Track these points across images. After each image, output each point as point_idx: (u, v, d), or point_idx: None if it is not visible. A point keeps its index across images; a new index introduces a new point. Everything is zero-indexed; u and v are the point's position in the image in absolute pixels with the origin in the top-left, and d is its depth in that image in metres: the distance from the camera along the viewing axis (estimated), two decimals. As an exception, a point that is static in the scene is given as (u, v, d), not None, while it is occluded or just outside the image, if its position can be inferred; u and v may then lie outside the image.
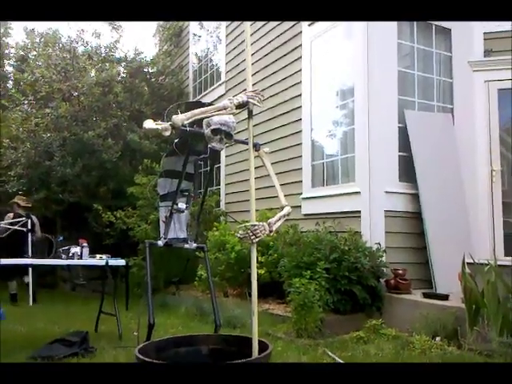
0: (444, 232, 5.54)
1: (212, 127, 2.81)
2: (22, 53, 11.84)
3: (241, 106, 2.64)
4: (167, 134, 2.57)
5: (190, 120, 2.61)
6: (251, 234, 2.57)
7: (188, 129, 2.82)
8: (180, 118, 2.57)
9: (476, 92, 6.14)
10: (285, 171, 6.94)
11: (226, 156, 8.60)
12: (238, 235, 2.62)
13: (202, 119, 2.75)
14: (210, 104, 3.01)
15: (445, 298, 4.76)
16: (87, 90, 9.18)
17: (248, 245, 6.16)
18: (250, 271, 2.61)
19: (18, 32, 20.84)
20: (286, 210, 2.85)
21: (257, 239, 2.58)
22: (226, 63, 9.21)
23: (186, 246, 3.95)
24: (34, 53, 11.00)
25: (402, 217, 5.69)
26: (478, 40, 6.20)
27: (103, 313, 5.30)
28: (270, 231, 2.66)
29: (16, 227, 6.63)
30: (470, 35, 6.23)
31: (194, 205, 4.99)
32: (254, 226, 2.58)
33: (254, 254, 2.62)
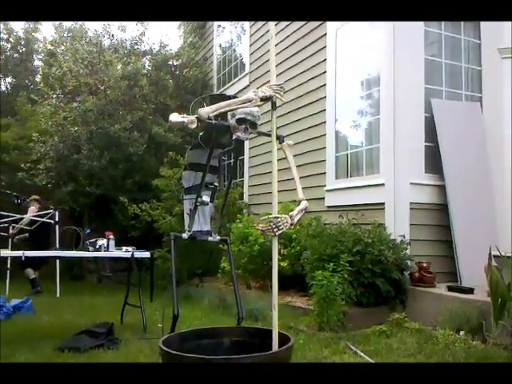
0: (470, 224, 5.42)
1: (237, 117, 2.82)
2: (51, 47, 12.07)
3: (265, 99, 2.64)
4: (193, 126, 2.58)
5: (216, 113, 2.62)
6: (274, 226, 2.58)
7: (213, 121, 2.82)
8: (206, 111, 2.58)
9: (505, 80, 5.95)
10: (308, 163, 6.91)
11: (250, 148, 8.59)
12: (260, 227, 2.62)
13: (226, 112, 2.75)
14: (235, 96, 3.03)
15: (470, 291, 4.67)
16: (113, 83, 9.27)
17: (270, 237, 6.17)
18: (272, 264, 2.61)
19: (48, 27, 21.17)
20: (304, 204, 2.83)
21: (279, 232, 2.59)
22: (250, 54, 9.18)
23: (210, 238, 3.96)
24: (62, 47, 11.18)
25: (428, 209, 5.58)
26: (507, 27, 5.99)
27: (128, 304, 5.39)
28: (291, 224, 2.65)
29: (44, 219, 6.79)
30: (499, 22, 6.03)
31: (218, 197, 5.01)
32: (277, 218, 2.59)
33: (276, 247, 2.62)
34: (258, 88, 2.69)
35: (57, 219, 7.10)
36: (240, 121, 2.81)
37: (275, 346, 2.54)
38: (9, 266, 7.56)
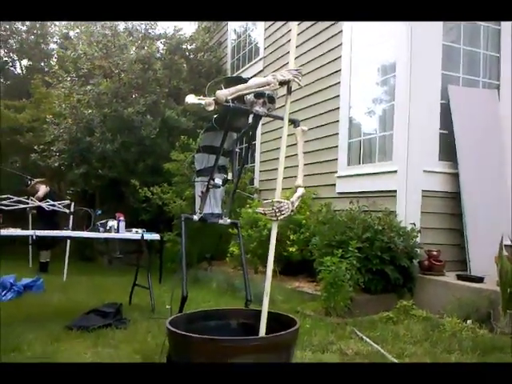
0: (482, 213, 5.35)
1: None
2: (65, 30, 12.10)
3: (283, 83, 2.61)
4: (211, 108, 2.55)
5: (234, 95, 2.60)
6: (277, 210, 2.56)
7: (231, 104, 2.78)
8: (224, 93, 2.55)
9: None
10: (320, 149, 6.87)
11: (262, 133, 8.55)
12: (262, 211, 2.60)
13: (242, 96, 2.72)
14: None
15: (479, 280, 4.63)
16: (127, 66, 9.27)
17: (281, 222, 6.17)
18: (269, 249, 2.59)
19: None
20: (301, 191, 2.77)
21: (282, 216, 2.56)
22: (265, 39, 9.09)
23: (221, 221, 3.92)
24: (77, 30, 11.19)
25: (440, 197, 5.53)
26: (528, 12, 5.85)
27: (137, 285, 5.44)
28: (292, 210, 2.63)
29: (60, 207, 6.83)
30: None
31: (229, 182, 5.01)
32: (280, 202, 2.57)
33: (275, 231, 2.60)
34: (275, 72, 2.67)
35: (72, 210, 7.17)
36: (258, 95, 2.78)
37: (262, 333, 2.52)
38: (30, 241, 7.66)
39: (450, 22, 5.74)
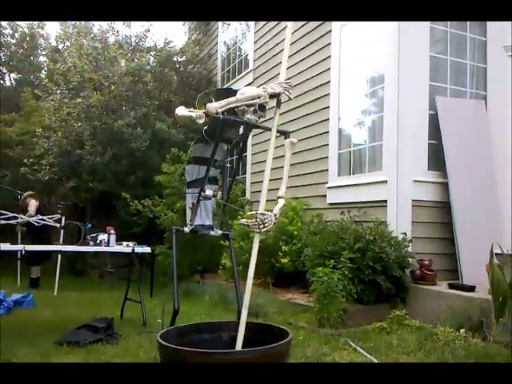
0: (472, 222, 5.38)
1: None
2: (55, 43, 12.10)
3: (274, 95, 2.62)
4: (201, 121, 2.55)
5: (224, 108, 2.60)
6: (260, 222, 2.54)
7: (221, 117, 2.78)
8: (214, 106, 2.56)
9: (510, 78, 5.90)
10: (311, 160, 6.89)
11: (252, 145, 8.57)
12: (245, 222, 2.58)
13: (232, 108, 2.72)
14: None
15: (471, 289, 4.64)
16: (117, 79, 9.28)
17: (272, 234, 6.12)
18: (250, 258, 2.57)
19: (53, 23, 21.17)
20: (282, 202, 2.76)
21: (265, 229, 2.54)
22: (255, 51, 9.16)
23: (212, 232, 3.92)
24: (67, 43, 11.20)
25: (430, 206, 5.56)
26: (513, 24, 5.95)
27: (128, 299, 5.39)
28: (275, 223, 2.62)
29: (51, 222, 6.78)
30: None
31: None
32: (264, 214, 2.55)
33: (257, 244, 2.58)
34: (264, 84, 2.69)
35: (63, 224, 7.12)
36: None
37: (239, 346, 2.49)
38: (19, 256, 7.59)
39: (438, 26, 5.83)
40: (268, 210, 2.63)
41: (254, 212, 2.57)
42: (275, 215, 2.60)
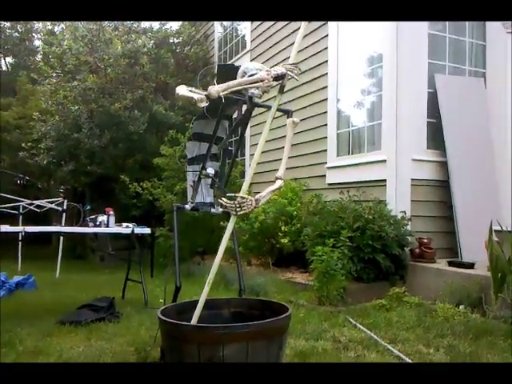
0: (472, 200, 5.39)
1: (250, 73, 2.73)
2: (50, 26, 11.96)
3: (278, 78, 2.56)
4: (202, 105, 2.49)
5: (226, 92, 2.53)
6: (237, 205, 2.50)
7: (223, 98, 2.72)
8: (216, 89, 2.49)
9: (509, 55, 5.85)
10: (310, 140, 6.87)
11: (252, 126, 8.52)
12: (223, 202, 2.53)
13: (236, 91, 2.67)
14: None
15: (470, 266, 4.67)
16: (113, 61, 9.18)
17: (272, 215, 6.09)
18: (223, 240, 2.51)
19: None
20: (278, 183, 2.69)
21: (241, 212, 2.48)
22: (252, 31, 9.06)
23: (213, 210, 3.87)
24: (62, 25, 11.07)
25: (429, 185, 5.57)
26: (513, 0, 5.88)
27: (129, 280, 5.41)
28: (255, 207, 2.56)
29: (53, 206, 6.77)
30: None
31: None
32: (243, 198, 2.49)
33: (232, 225, 2.54)
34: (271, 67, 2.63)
35: (65, 207, 7.12)
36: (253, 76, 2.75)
37: (195, 321, 2.47)
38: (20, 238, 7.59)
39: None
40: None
41: (233, 194, 2.52)
42: (257, 200, 2.49)
